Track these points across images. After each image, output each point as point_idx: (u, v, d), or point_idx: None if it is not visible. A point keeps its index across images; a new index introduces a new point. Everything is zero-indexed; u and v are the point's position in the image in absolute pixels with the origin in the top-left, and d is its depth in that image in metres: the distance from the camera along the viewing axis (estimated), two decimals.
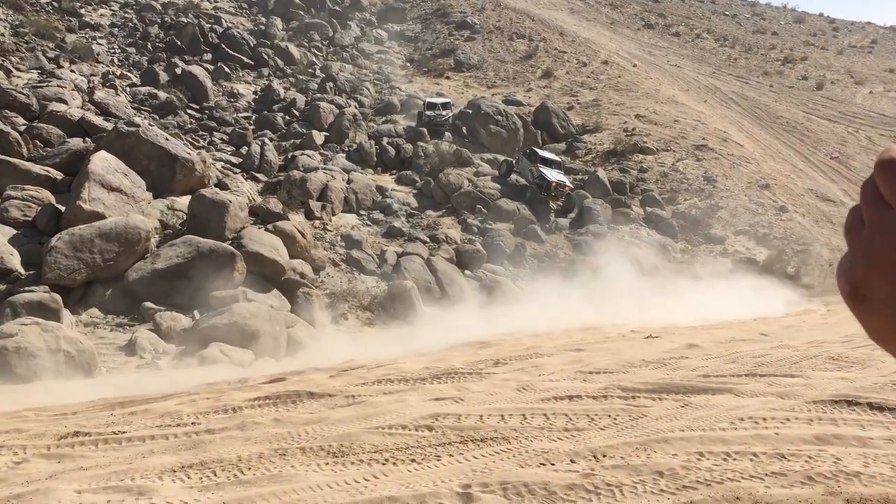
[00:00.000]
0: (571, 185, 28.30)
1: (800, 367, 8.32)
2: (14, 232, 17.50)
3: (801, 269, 25.89)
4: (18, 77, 26.86)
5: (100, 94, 26.87)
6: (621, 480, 4.53)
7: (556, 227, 26.83)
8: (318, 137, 29.50)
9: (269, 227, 20.34)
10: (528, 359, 9.94)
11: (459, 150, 29.83)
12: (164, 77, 31.80)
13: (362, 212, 25.12)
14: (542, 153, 28.85)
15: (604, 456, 5.05)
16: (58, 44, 31.30)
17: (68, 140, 21.42)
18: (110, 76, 30.39)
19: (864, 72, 53.15)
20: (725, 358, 9.30)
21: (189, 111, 30.06)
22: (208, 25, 38.11)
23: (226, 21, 40.15)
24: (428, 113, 31.97)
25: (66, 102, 24.06)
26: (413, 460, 5.16)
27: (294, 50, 38.82)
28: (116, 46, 34.91)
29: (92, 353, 13.65)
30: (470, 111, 32.95)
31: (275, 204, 22.25)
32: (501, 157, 30.38)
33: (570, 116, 35.45)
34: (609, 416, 6.14)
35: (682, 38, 57.01)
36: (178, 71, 32.28)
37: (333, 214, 24.13)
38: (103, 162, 19.04)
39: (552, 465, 4.92)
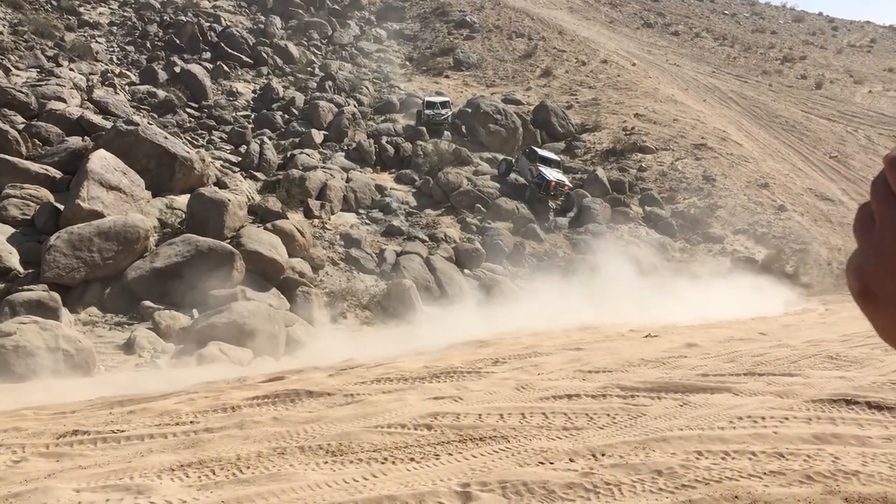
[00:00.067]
0: (570, 185, 28.31)
1: (798, 366, 8.33)
2: (13, 230, 17.49)
3: (800, 269, 25.91)
4: (17, 75, 26.83)
5: (99, 93, 26.85)
6: (620, 479, 4.54)
7: (555, 227, 26.84)
8: (318, 136, 29.49)
9: (268, 225, 20.33)
10: (527, 358, 9.95)
11: (458, 148, 29.83)
12: (163, 76, 31.77)
13: (361, 211, 25.12)
14: (541, 152, 28.87)
15: (602, 455, 5.05)
16: (57, 42, 31.27)
17: (67, 139, 21.40)
18: (109, 75, 30.37)
19: (864, 71, 53.18)
20: (724, 357, 9.31)
21: (188, 110, 30.03)
22: (207, 24, 38.08)
23: (225, 20, 40.11)
24: (427, 112, 31.96)
25: (64, 101, 24.04)
26: (412, 459, 5.16)
27: (293, 49, 38.79)
28: (115, 45, 34.87)
29: (91, 351, 13.64)
30: (469, 110, 32.95)
31: (274, 203, 22.24)
32: (500, 156, 30.38)
33: (569, 115, 35.45)
34: (608, 415, 6.14)
35: (682, 38, 57.01)
36: (177, 69, 32.25)
37: (332, 213, 24.12)
38: (102, 161, 19.02)
39: (551, 463, 4.92)
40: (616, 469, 4.72)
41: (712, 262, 25.70)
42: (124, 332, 15.83)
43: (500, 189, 27.63)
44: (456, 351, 12.56)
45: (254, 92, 33.75)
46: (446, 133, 31.54)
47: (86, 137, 21.70)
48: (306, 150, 28.01)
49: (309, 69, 37.47)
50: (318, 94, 33.59)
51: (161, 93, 29.74)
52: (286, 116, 31.25)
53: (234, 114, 31.05)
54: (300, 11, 44.32)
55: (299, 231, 20.74)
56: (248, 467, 5.10)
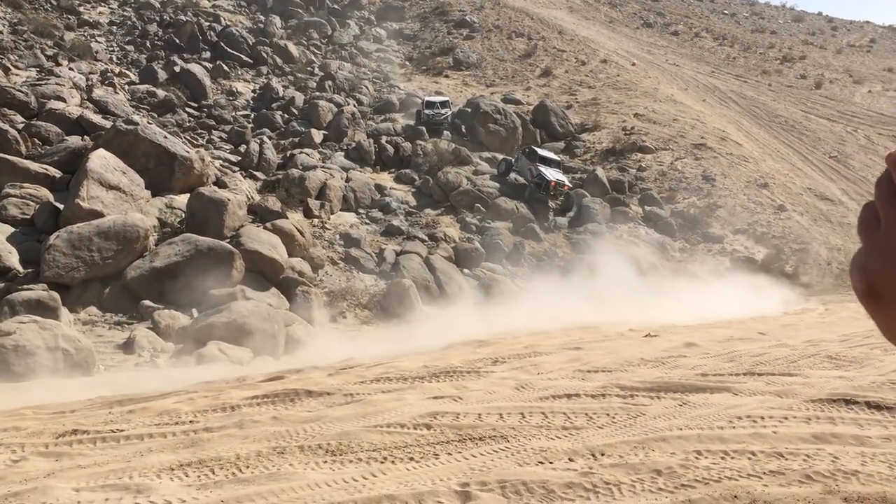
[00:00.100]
0: (570, 185, 28.31)
1: (798, 365, 8.33)
2: (12, 230, 17.47)
3: (800, 268, 25.91)
4: (17, 75, 26.83)
5: (98, 92, 26.84)
6: (619, 479, 4.54)
7: (555, 226, 26.84)
8: (317, 136, 29.48)
9: (268, 225, 20.33)
10: (527, 357, 9.95)
11: (458, 148, 29.83)
12: (162, 75, 31.76)
13: (361, 210, 25.12)
14: (541, 152, 28.86)
15: (602, 454, 5.05)
16: (56, 42, 31.26)
17: (67, 138, 21.40)
18: (109, 74, 30.36)
19: (863, 71, 53.18)
20: (724, 357, 9.31)
21: (188, 109, 30.02)
22: (207, 23, 38.07)
23: (224, 19, 40.10)
24: (427, 111, 31.95)
25: (64, 100, 24.03)
26: (411, 459, 5.16)
27: (293, 48, 38.79)
28: (115, 44, 34.86)
29: (90, 351, 13.64)
30: (469, 110, 32.95)
31: (273, 202, 22.24)
32: (500, 156, 30.38)
33: (568, 115, 35.45)
34: (607, 414, 6.14)
35: (681, 37, 57.02)
36: (177, 69, 32.23)
37: (332, 213, 24.12)
38: (102, 160, 19.02)
39: (550, 463, 4.93)
40: (615, 469, 4.72)
41: (712, 262, 25.71)
42: (124, 332, 15.83)
43: (499, 189, 27.63)
44: (455, 350, 12.56)
45: (253, 91, 33.74)
46: (446, 133, 31.53)
47: (85, 137, 21.70)
48: (306, 150, 28.00)
49: (309, 69, 37.46)
50: (317, 93, 33.59)
51: (161, 92, 29.73)
52: (286, 116, 31.24)
53: (233, 113, 31.05)
54: (300, 11, 44.32)
55: (299, 231, 20.73)
56: (248, 467, 5.10)
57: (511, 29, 48.25)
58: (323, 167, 26.34)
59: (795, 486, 4.31)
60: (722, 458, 4.91)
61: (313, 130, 29.64)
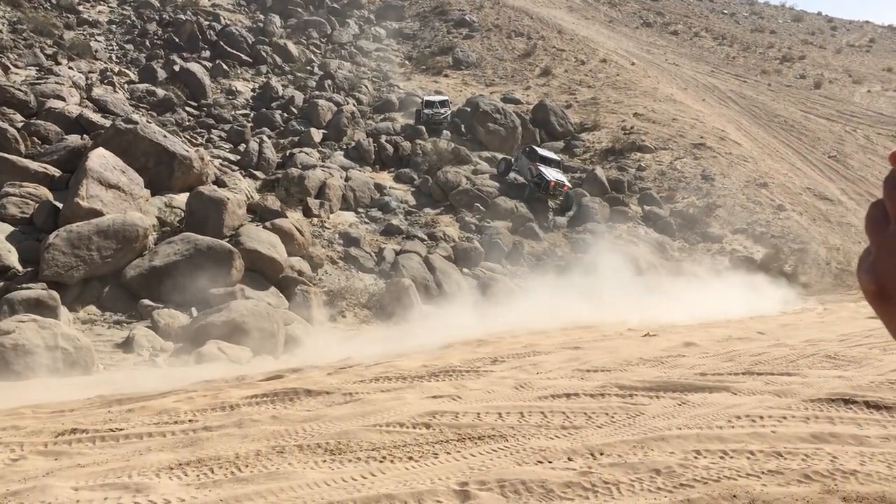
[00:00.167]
0: (570, 185, 28.31)
1: (797, 365, 8.33)
2: (12, 229, 17.47)
3: (799, 268, 25.92)
4: (16, 74, 26.82)
5: (98, 91, 26.82)
6: (618, 478, 4.54)
7: (554, 226, 26.86)
8: (317, 135, 29.48)
9: (267, 224, 20.33)
10: (526, 357, 9.96)
11: (458, 147, 29.83)
12: (162, 74, 31.74)
13: (360, 209, 25.12)
14: (541, 152, 28.84)
15: (601, 454, 5.05)
16: (56, 40, 31.24)
17: (66, 137, 21.38)
18: (108, 73, 30.34)
19: (862, 71, 53.21)
20: (723, 356, 9.32)
21: (187, 108, 30.01)
22: (206, 22, 38.05)
23: (224, 18, 40.07)
24: (426, 111, 31.95)
25: (63, 99, 24.02)
26: (410, 458, 5.16)
27: (292, 47, 38.78)
28: (115, 43, 34.84)
29: (89, 350, 13.63)
30: (468, 109, 32.95)
31: (273, 201, 22.24)
32: (500, 155, 30.39)
33: (568, 115, 35.45)
34: (606, 414, 6.14)
35: (681, 37, 57.02)
36: (177, 68, 32.22)
37: (331, 212, 24.11)
38: (101, 159, 19.01)
39: (549, 462, 4.93)
40: (614, 468, 4.72)
41: (711, 262, 25.71)
42: (123, 331, 15.83)
43: (498, 188, 27.64)
44: (454, 350, 12.56)
45: (253, 90, 33.74)
46: (445, 132, 31.53)
47: (85, 136, 21.69)
48: (305, 149, 28.00)
49: (308, 68, 37.45)
50: (317, 92, 33.59)
51: (160, 91, 29.72)
52: (285, 115, 31.24)
53: (233, 112, 31.04)
54: (299, 10, 44.31)
55: (298, 230, 20.73)
56: (247, 466, 5.10)
57: (510, 28, 48.24)
58: (322, 166, 26.35)
59: (794, 486, 4.31)
60: (721, 457, 4.91)
61: (313, 129, 29.64)
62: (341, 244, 22.34)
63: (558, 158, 29.94)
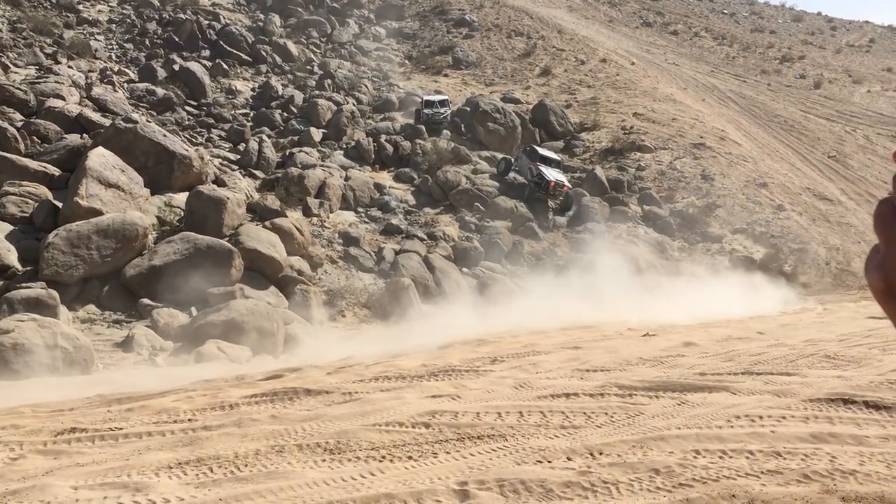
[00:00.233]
0: (570, 185, 28.31)
1: (796, 365, 8.34)
2: (11, 228, 17.47)
3: (798, 268, 25.94)
4: (16, 73, 26.80)
5: (97, 91, 26.80)
6: (618, 478, 4.54)
7: (554, 225, 26.86)
8: (316, 134, 29.47)
9: (267, 223, 20.32)
10: (526, 356, 9.96)
11: (457, 147, 29.83)
12: (161, 73, 31.72)
13: (360, 209, 25.11)
14: (542, 152, 28.83)
15: (600, 453, 5.06)
16: (55, 40, 31.22)
17: (66, 136, 21.38)
18: (108, 72, 30.33)
19: (862, 71, 53.22)
20: (722, 356, 9.32)
21: (187, 108, 30.00)
22: (206, 22, 38.03)
23: (224, 18, 40.03)
24: (426, 110, 31.94)
25: (63, 98, 24.00)
26: (410, 457, 5.16)
27: (292, 47, 38.75)
28: (114, 42, 34.82)
29: (89, 349, 13.63)
30: (468, 109, 32.94)
31: (272, 201, 22.23)
32: (499, 155, 30.38)
33: (567, 114, 35.44)
34: (606, 413, 6.15)
35: (681, 37, 57.02)
36: (176, 67, 32.20)
37: (331, 211, 24.11)
38: (101, 158, 19.00)
39: (549, 462, 4.93)
40: (614, 468, 4.72)
41: (710, 262, 25.71)
42: (122, 330, 15.83)
43: (498, 188, 27.64)
44: (454, 349, 12.56)
45: (253, 90, 33.72)
46: (445, 132, 31.52)
47: (84, 135, 21.68)
48: (305, 149, 28.00)
49: (308, 67, 37.43)
50: (317, 92, 33.57)
51: (160, 90, 29.70)
52: (285, 114, 31.23)
53: (232, 112, 31.03)
54: (299, 10, 44.27)
55: (298, 229, 20.72)
56: (247, 465, 5.10)
57: (510, 28, 48.23)
58: (322, 166, 26.34)
59: (793, 486, 4.32)
60: (720, 457, 4.91)
61: (312, 129, 29.63)
62: (341, 244, 22.34)
63: (558, 158, 29.93)
